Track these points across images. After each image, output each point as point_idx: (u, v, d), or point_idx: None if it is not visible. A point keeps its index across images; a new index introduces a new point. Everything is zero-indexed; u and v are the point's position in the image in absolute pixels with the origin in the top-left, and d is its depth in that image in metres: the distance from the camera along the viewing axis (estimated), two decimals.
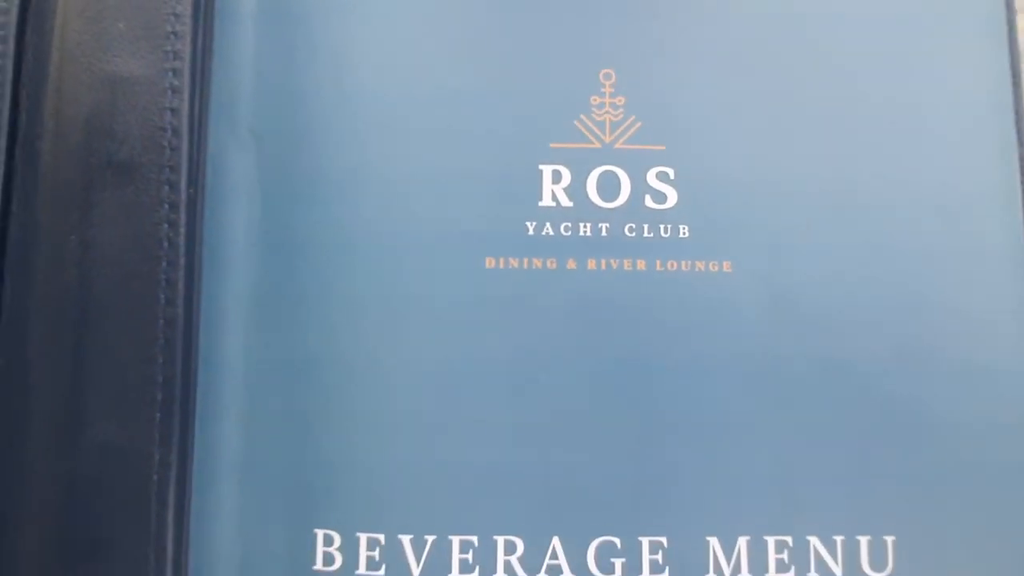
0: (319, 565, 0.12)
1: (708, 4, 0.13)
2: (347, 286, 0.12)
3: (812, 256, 0.13)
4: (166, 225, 0.12)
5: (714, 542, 0.12)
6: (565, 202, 0.12)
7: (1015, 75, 0.13)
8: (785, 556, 0.12)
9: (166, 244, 0.12)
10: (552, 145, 0.12)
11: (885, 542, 0.12)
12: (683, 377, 0.12)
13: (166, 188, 0.12)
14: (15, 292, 0.13)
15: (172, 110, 0.12)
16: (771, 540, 0.12)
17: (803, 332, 0.12)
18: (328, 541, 0.12)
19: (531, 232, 0.12)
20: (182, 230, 0.12)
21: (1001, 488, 0.12)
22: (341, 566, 0.12)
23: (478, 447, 0.12)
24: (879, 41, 0.13)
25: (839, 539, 0.12)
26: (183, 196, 0.12)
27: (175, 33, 0.12)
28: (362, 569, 0.12)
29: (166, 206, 0.12)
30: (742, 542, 0.12)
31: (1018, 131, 0.13)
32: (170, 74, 0.12)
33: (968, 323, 0.12)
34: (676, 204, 0.13)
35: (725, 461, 0.12)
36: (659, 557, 0.12)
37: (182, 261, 0.12)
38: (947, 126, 0.13)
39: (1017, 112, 0.13)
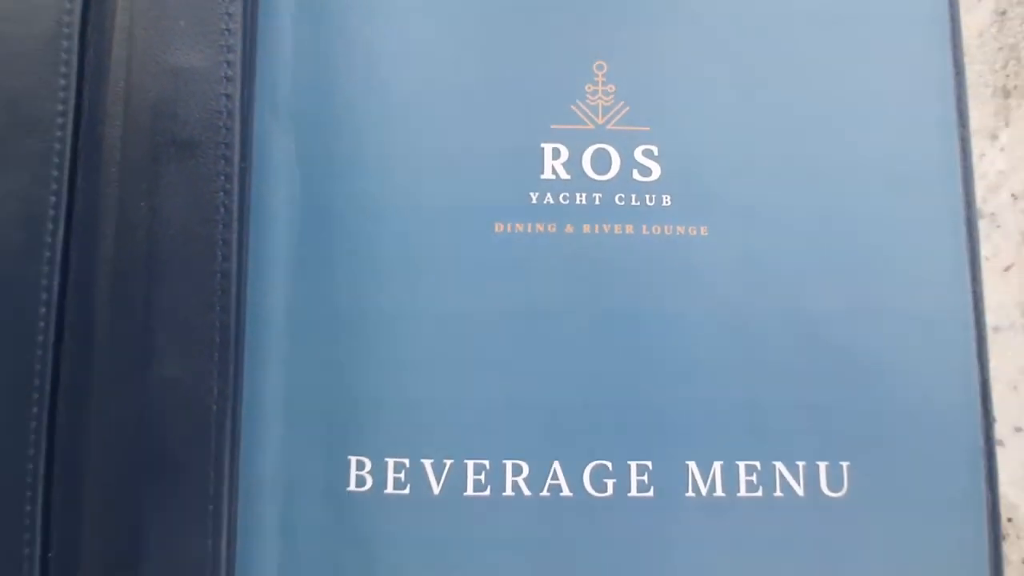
0: (352, 486, 0.14)
1: (686, 8, 0.15)
2: (374, 247, 0.14)
3: (777, 222, 0.14)
4: (222, 193, 0.13)
5: (692, 466, 0.14)
6: (563, 175, 0.14)
7: (956, 61, 0.15)
8: (754, 478, 0.14)
9: (222, 210, 0.13)
10: (552, 126, 0.14)
11: (841, 467, 0.14)
12: (665, 325, 0.14)
13: (222, 162, 0.14)
14: (81, 255, 0.15)
15: (227, 96, 0.14)
16: (742, 464, 0.14)
17: (769, 286, 0.14)
18: (360, 466, 0.14)
19: (534, 201, 0.14)
20: (235, 198, 0.13)
21: (937, 421, 0.14)
22: (371, 487, 0.14)
23: (489, 384, 0.14)
24: (834, 34, 0.15)
25: (801, 464, 0.14)
26: (236, 169, 0.14)
27: (228, 30, 0.14)
28: (390, 489, 0.14)
29: (222, 178, 0.13)
30: (716, 466, 0.14)
31: (959, 111, 0.15)
32: (225, 65, 0.14)
33: (911, 278, 0.14)
34: (660, 177, 0.14)
35: (702, 397, 0.14)
36: (645, 478, 0.14)
37: (235, 224, 0.13)
38: (893, 109, 0.15)
39: (959, 96, 0.15)
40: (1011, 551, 0.16)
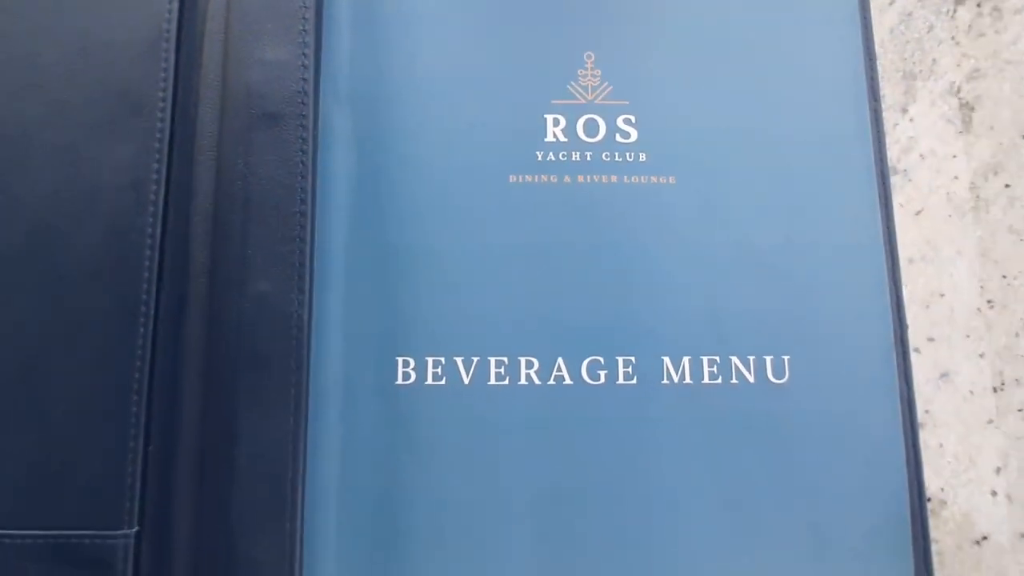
0: (400, 380, 0.17)
1: (656, 11, 0.19)
2: (415, 196, 0.18)
3: (730, 173, 0.18)
4: (300, 153, 0.17)
5: (667, 360, 0.17)
6: (562, 139, 0.18)
7: (868, 52, 0.19)
8: (715, 369, 0.17)
9: (300, 166, 0.17)
10: (553, 101, 0.19)
11: (784, 360, 0.18)
12: (643, 252, 0.18)
13: (300, 130, 0.18)
14: (178, 208, 0.19)
15: (303, 80, 0.18)
16: (705, 359, 0.17)
17: (723, 222, 0.18)
18: (405, 364, 0.17)
19: (540, 159, 0.18)
20: (309, 158, 0.17)
21: (861, 327, 0.18)
22: (415, 380, 0.17)
23: (507, 298, 0.18)
24: (772, 35, 0.19)
25: (752, 358, 0.18)
26: (310, 136, 0.18)
27: (304, 31, 0.18)
28: (429, 381, 0.17)
29: (300, 142, 0.17)
30: (685, 360, 0.17)
31: (871, 89, 0.19)
32: (302, 57, 0.18)
33: (836, 218, 0.18)
34: (636, 139, 0.18)
35: (673, 306, 0.18)
36: (629, 369, 0.17)
37: (309, 177, 0.17)
38: (818, 88, 0.19)
39: (870, 78, 0.19)
40: (929, 438, 0.19)
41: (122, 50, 0.20)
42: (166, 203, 0.19)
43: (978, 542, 0.19)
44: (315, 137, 0.18)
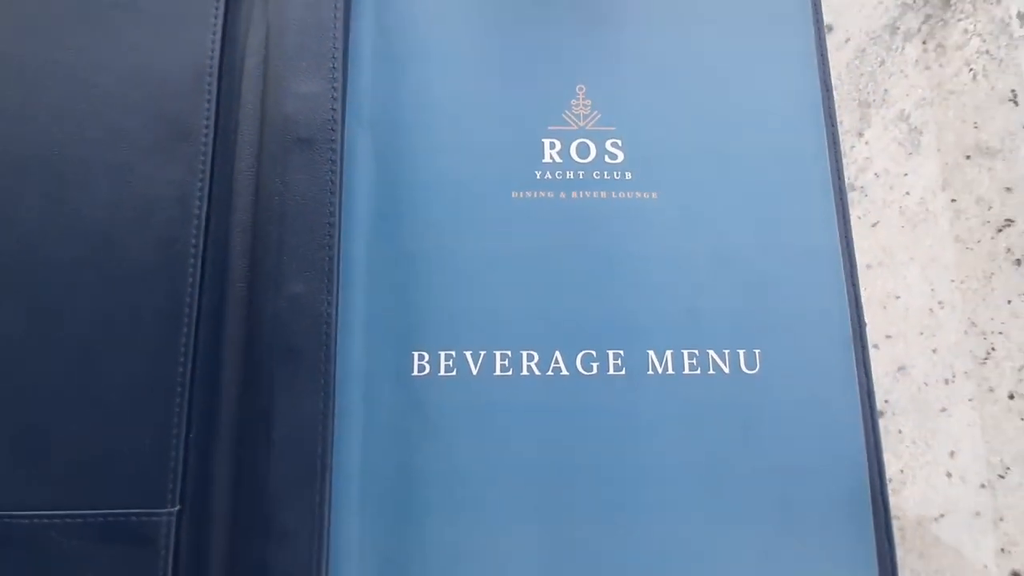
0: (415, 372, 0.20)
1: (637, 51, 0.22)
2: (428, 209, 0.21)
3: (704, 189, 0.21)
4: (329, 173, 0.20)
5: (651, 353, 0.20)
6: (558, 160, 0.21)
7: (825, 84, 0.22)
8: (694, 361, 0.20)
9: (329, 183, 0.20)
10: (549, 127, 0.21)
11: (755, 353, 0.20)
12: (629, 257, 0.20)
13: (330, 153, 0.20)
14: (218, 221, 0.21)
15: (333, 110, 0.20)
16: (685, 352, 0.20)
17: (699, 231, 0.21)
18: (420, 357, 0.20)
19: (538, 177, 0.21)
20: (338, 176, 0.20)
21: (824, 325, 0.20)
22: (428, 372, 0.20)
23: (510, 298, 0.20)
24: (738, 71, 0.22)
25: (727, 351, 0.20)
26: (339, 158, 0.20)
27: (334, 67, 0.21)
28: (442, 373, 0.19)
29: (329, 163, 0.20)
30: (668, 353, 0.20)
31: (827, 116, 0.22)
32: (332, 90, 0.21)
33: (798, 229, 0.21)
34: (623, 160, 0.21)
35: (656, 305, 0.20)
36: (619, 362, 0.20)
37: (338, 194, 0.20)
38: (780, 116, 0.22)
39: (827, 107, 0.22)
40: (889, 424, 0.21)
41: (171, 83, 0.23)
42: (208, 217, 0.21)
43: (936, 519, 0.21)
44: (342, 158, 0.20)
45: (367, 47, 0.22)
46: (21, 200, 0.22)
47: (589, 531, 0.18)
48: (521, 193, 0.21)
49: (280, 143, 0.20)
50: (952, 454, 0.21)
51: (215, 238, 0.21)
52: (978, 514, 0.21)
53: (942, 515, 0.21)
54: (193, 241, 0.21)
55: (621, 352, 0.20)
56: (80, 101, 0.22)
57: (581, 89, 0.22)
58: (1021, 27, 0.25)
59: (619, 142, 0.21)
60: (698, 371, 0.20)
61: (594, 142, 0.21)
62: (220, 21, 0.23)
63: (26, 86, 0.23)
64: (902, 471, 0.21)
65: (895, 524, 0.20)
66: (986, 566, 0.20)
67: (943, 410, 0.22)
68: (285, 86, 0.21)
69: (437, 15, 0.22)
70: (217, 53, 0.23)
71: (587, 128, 0.21)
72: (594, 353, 0.20)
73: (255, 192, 0.21)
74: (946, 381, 0.22)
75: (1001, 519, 0.21)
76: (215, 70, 0.23)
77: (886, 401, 0.22)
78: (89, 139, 0.22)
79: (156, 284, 0.21)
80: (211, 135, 0.22)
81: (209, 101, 0.22)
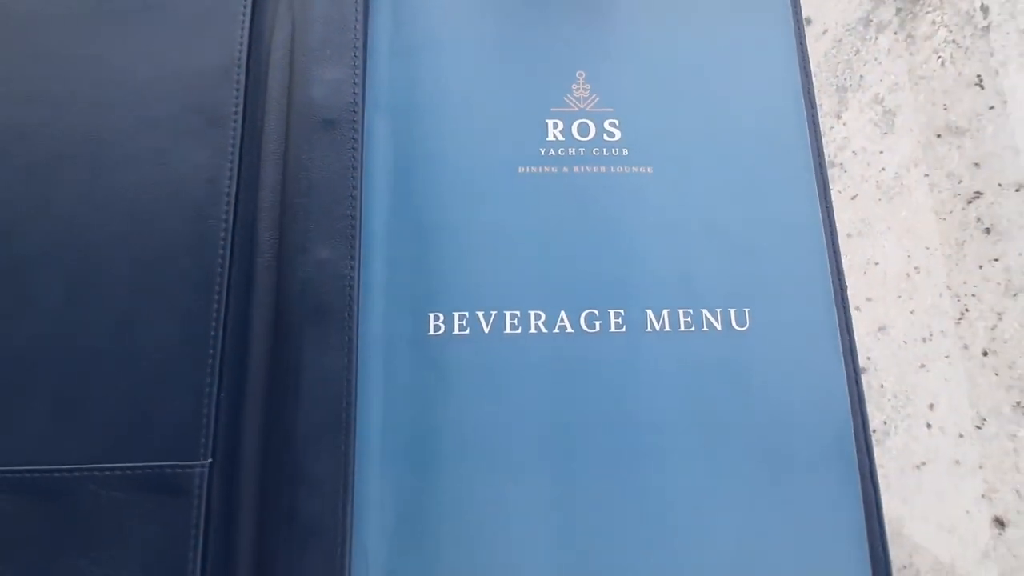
0: (431, 332, 0.21)
1: (633, 40, 0.24)
2: (441, 183, 0.22)
3: (695, 164, 0.23)
4: (351, 151, 0.22)
5: (650, 312, 0.21)
6: (560, 138, 0.23)
7: (805, 71, 0.24)
8: (689, 319, 0.21)
9: (352, 160, 0.22)
10: (552, 109, 0.23)
11: (745, 311, 0.21)
12: (627, 224, 0.22)
13: (352, 133, 0.22)
14: (247, 198, 0.23)
15: (355, 94, 0.22)
16: (681, 311, 0.21)
17: (691, 203, 0.22)
18: (436, 318, 0.21)
19: (543, 154, 0.23)
20: (359, 155, 0.22)
21: (808, 287, 0.22)
22: (444, 331, 0.21)
23: (518, 261, 0.22)
24: (724, 60, 0.24)
25: (719, 310, 0.21)
26: (360, 137, 0.22)
27: (355, 56, 0.23)
28: (456, 331, 0.21)
29: (352, 142, 0.22)
30: (665, 312, 0.21)
31: (807, 100, 0.24)
32: (353, 76, 0.22)
33: (783, 200, 0.23)
34: (620, 138, 0.23)
35: (653, 268, 0.22)
36: (620, 320, 0.21)
37: (359, 170, 0.22)
38: (765, 98, 0.24)
39: (807, 91, 0.24)
40: (871, 380, 0.23)
41: (202, 75, 0.25)
42: (237, 195, 0.23)
43: (918, 467, 0.22)
44: (363, 138, 0.22)
45: (384, 39, 0.24)
46: (66, 180, 0.23)
47: (593, 476, 0.20)
48: (527, 168, 0.23)
49: (307, 124, 0.22)
50: (931, 407, 0.23)
51: (243, 213, 0.23)
52: (958, 462, 0.22)
53: (924, 463, 0.22)
54: (224, 216, 0.23)
55: (622, 311, 0.21)
56: (120, 91, 0.24)
57: (581, 74, 0.24)
58: (984, 18, 0.27)
59: (616, 122, 0.23)
60: (692, 328, 0.21)
61: (593, 122, 0.23)
62: (247, 20, 0.25)
63: (70, 78, 0.24)
64: (885, 423, 0.23)
65: (880, 472, 0.22)
66: (968, 511, 0.22)
67: (922, 366, 0.23)
68: (311, 74, 0.23)
69: (448, 9, 0.24)
70: (245, 48, 0.25)
71: (587, 109, 0.23)
72: (596, 312, 0.21)
73: (283, 169, 0.23)
74: (924, 340, 0.23)
75: (980, 467, 0.22)
76: (243, 63, 0.25)
77: (868, 358, 0.23)
78: (128, 126, 0.24)
79: (189, 256, 0.22)
80: (239, 122, 0.24)
81: (237, 91, 0.24)
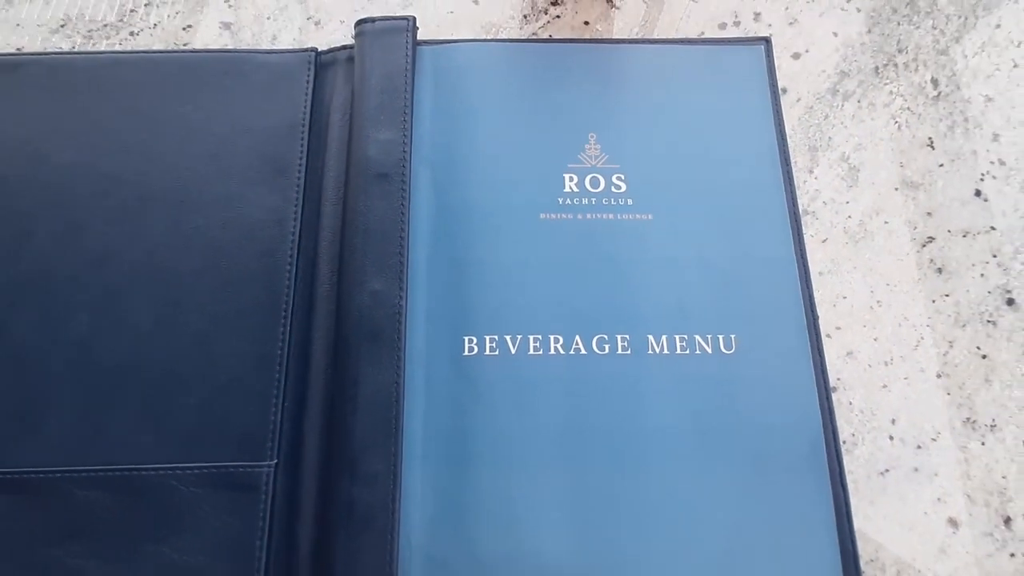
0: (466, 353, 0.25)
1: (636, 109, 0.29)
2: (475, 227, 0.27)
3: (688, 212, 0.27)
4: (401, 198, 0.26)
5: (651, 337, 0.25)
6: (575, 190, 0.27)
7: (780, 133, 0.29)
8: (684, 344, 0.25)
9: (400, 206, 0.26)
10: (568, 165, 0.28)
11: (732, 337, 0.25)
12: (631, 263, 0.26)
13: (401, 184, 0.26)
14: (307, 238, 0.27)
15: (404, 152, 0.27)
16: (677, 336, 0.25)
17: (685, 243, 0.26)
18: (470, 341, 0.25)
19: (560, 203, 0.27)
20: (407, 202, 0.26)
21: (784, 317, 0.26)
22: (476, 353, 0.25)
23: (541, 293, 0.26)
24: (709, 122, 0.28)
25: (709, 336, 0.25)
26: (408, 188, 0.26)
27: (405, 119, 0.27)
28: (487, 352, 0.25)
29: (401, 192, 0.26)
30: (663, 337, 0.25)
31: (782, 157, 0.28)
32: (403, 136, 0.27)
33: (762, 244, 0.27)
34: (625, 190, 0.27)
35: (654, 298, 0.26)
36: (625, 343, 0.25)
37: (407, 215, 0.26)
38: (747, 158, 0.28)
39: (782, 150, 0.28)
40: (841, 397, 0.27)
41: (272, 130, 0.29)
42: (300, 234, 0.27)
43: (882, 473, 0.26)
44: (409, 187, 0.27)
45: (427, 104, 0.29)
46: (154, 220, 0.28)
47: (603, 476, 0.23)
48: (548, 215, 0.27)
49: (363, 177, 0.27)
50: (893, 421, 0.26)
51: (306, 250, 0.27)
52: (917, 470, 0.26)
53: (887, 470, 0.26)
54: (289, 253, 0.27)
55: (627, 336, 0.25)
56: (201, 145, 0.29)
57: (592, 136, 0.28)
58: (934, 89, 0.32)
59: (622, 176, 0.28)
60: (687, 351, 0.25)
61: (603, 176, 0.28)
62: (311, 86, 0.30)
63: (159, 132, 0.29)
64: (853, 435, 0.26)
65: (849, 477, 0.25)
66: (926, 512, 0.25)
67: (884, 386, 0.27)
68: (367, 134, 0.27)
69: (480, 80, 0.29)
70: (308, 109, 0.29)
71: (597, 166, 0.28)
72: (606, 336, 0.25)
73: (342, 213, 0.27)
74: (886, 364, 0.27)
75: (936, 474, 0.26)
76: (307, 122, 0.29)
77: (838, 379, 0.27)
78: (207, 174, 0.28)
79: (259, 286, 0.26)
80: (303, 172, 0.28)
81: (302, 146, 0.29)
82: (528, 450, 0.24)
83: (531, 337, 0.25)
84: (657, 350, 0.25)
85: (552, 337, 0.25)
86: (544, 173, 0.27)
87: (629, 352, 0.25)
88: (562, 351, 0.25)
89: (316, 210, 0.28)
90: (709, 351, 0.25)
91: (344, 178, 0.27)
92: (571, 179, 0.27)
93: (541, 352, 0.25)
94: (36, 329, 0.26)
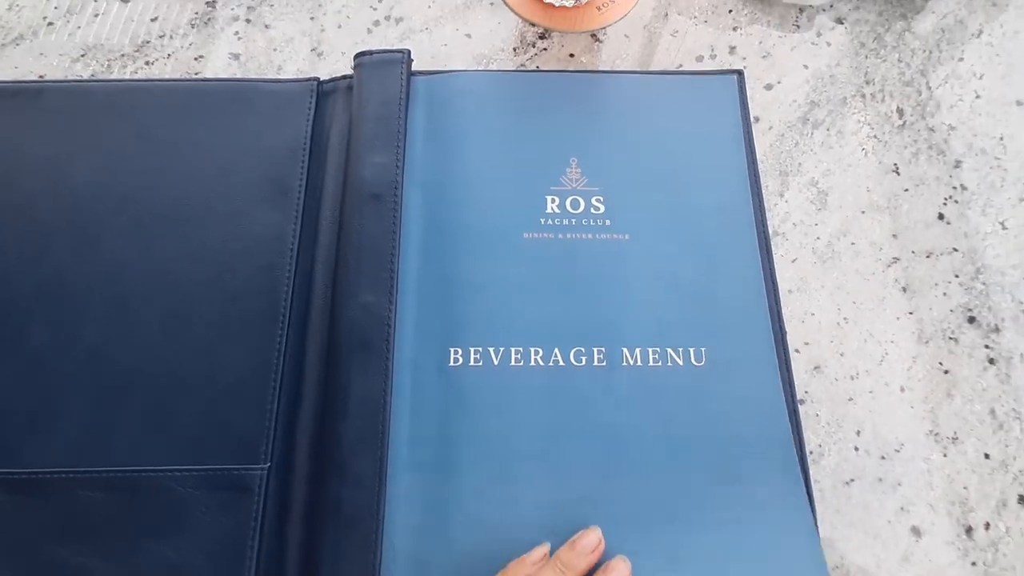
0: (451, 363, 0.26)
1: (613, 137, 0.31)
2: (462, 245, 0.28)
3: (664, 232, 0.29)
4: (393, 216, 0.28)
5: (625, 350, 0.27)
6: (556, 211, 0.29)
7: (751, 160, 0.30)
8: (657, 356, 0.27)
9: (392, 226, 0.28)
10: (551, 187, 0.29)
11: (702, 350, 0.27)
12: (609, 282, 0.28)
13: (394, 204, 0.28)
14: (304, 252, 0.29)
15: (396, 173, 0.29)
16: (650, 349, 0.27)
17: (659, 262, 0.28)
18: (455, 352, 0.27)
19: (543, 223, 0.29)
20: (399, 221, 0.28)
21: (753, 334, 0.27)
22: (461, 363, 0.26)
23: (522, 309, 0.27)
24: (688, 151, 0.30)
25: (680, 349, 0.27)
26: (399, 207, 0.28)
27: (398, 144, 0.29)
28: (471, 363, 0.26)
29: (393, 211, 0.28)
30: (637, 350, 0.27)
31: (753, 183, 0.30)
32: (396, 159, 0.29)
33: (733, 263, 0.28)
34: (604, 211, 0.29)
35: (629, 314, 0.27)
36: (601, 356, 0.26)
37: (398, 233, 0.28)
38: (720, 181, 0.30)
39: (752, 175, 0.30)
40: (808, 410, 0.28)
41: (275, 153, 0.31)
42: (299, 250, 0.29)
43: (847, 483, 0.27)
44: (401, 207, 0.28)
45: (419, 130, 0.31)
46: (163, 234, 0.29)
47: (581, 480, 0.25)
48: (530, 234, 0.29)
49: (358, 197, 0.28)
50: (858, 433, 0.28)
51: (303, 264, 0.29)
52: (881, 480, 0.27)
53: (852, 480, 0.27)
54: (287, 266, 0.29)
55: (603, 349, 0.27)
56: (207, 166, 0.31)
57: (574, 160, 0.30)
58: (900, 119, 0.34)
59: (601, 198, 0.29)
60: (660, 364, 0.27)
61: (583, 198, 0.29)
62: (312, 112, 0.32)
63: (169, 153, 0.31)
64: (820, 446, 0.27)
65: (815, 487, 0.26)
66: (889, 521, 0.26)
67: (850, 400, 0.28)
68: (363, 158, 0.29)
69: (469, 107, 0.31)
70: (309, 134, 0.31)
71: (578, 188, 0.30)
72: (583, 349, 0.27)
73: (338, 231, 0.29)
74: (851, 378, 0.28)
75: (899, 484, 0.27)
76: (308, 146, 0.31)
77: (806, 392, 0.28)
78: (213, 194, 0.30)
79: (259, 297, 0.28)
80: (303, 192, 0.30)
81: (303, 168, 0.31)
82: (509, 456, 0.25)
83: (513, 349, 0.27)
84: (631, 362, 0.27)
85: (532, 349, 0.27)
86: (528, 195, 0.29)
87: (605, 364, 0.26)
88: (542, 363, 0.26)
89: (314, 227, 0.30)
90: (681, 364, 0.27)
91: (341, 197, 0.29)
92: (553, 200, 0.29)
93: (522, 363, 0.26)
94: (51, 335, 0.27)
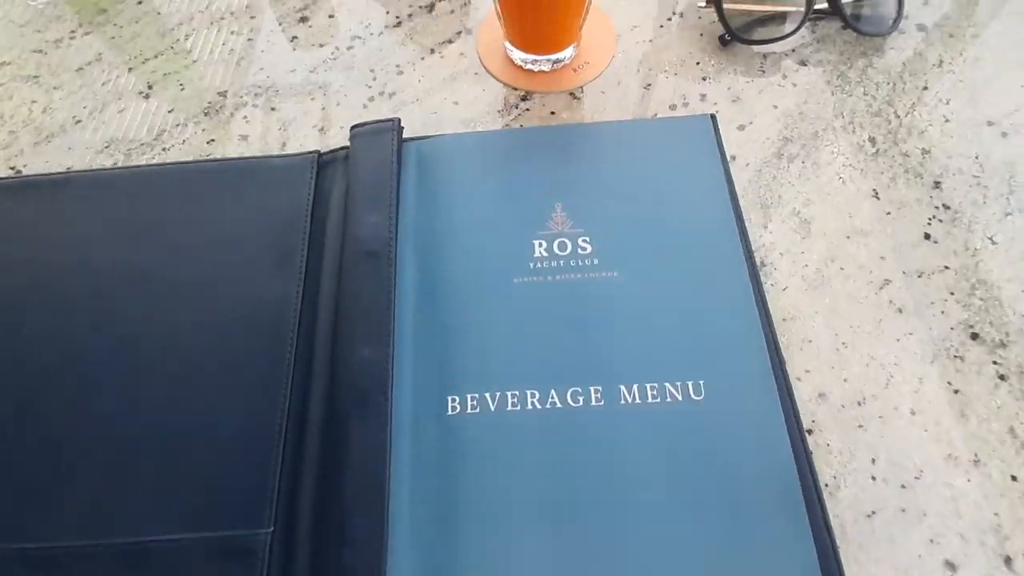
0: (450, 412, 0.27)
1: (600, 180, 0.32)
2: (454, 293, 0.29)
3: (650, 269, 0.29)
4: (388, 273, 0.29)
5: (623, 388, 0.27)
6: (544, 254, 0.30)
7: (732, 195, 0.31)
8: (655, 392, 0.26)
9: (388, 280, 0.29)
10: (538, 232, 0.31)
11: (700, 384, 0.27)
12: (599, 319, 0.28)
13: (388, 261, 0.29)
14: (308, 304, 0.30)
15: (391, 230, 0.30)
16: (648, 385, 0.27)
17: (646, 298, 0.29)
18: (453, 400, 0.27)
19: (532, 267, 0.30)
20: (394, 274, 0.29)
21: (749, 368, 0.27)
22: (460, 411, 0.27)
23: (517, 353, 0.27)
24: (671, 193, 0.32)
25: (679, 383, 0.27)
26: (395, 262, 0.29)
27: (391, 205, 0.31)
28: (468, 411, 0.26)
29: (388, 267, 0.29)
30: (635, 387, 0.27)
31: (736, 215, 0.31)
32: (389, 219, 0.30)
33: (722, 296, 0.29)
34: (591, 252, 0.30)
35: (625, 350, 0.27)
36: (598, 395, 0.26)
37: (395, 285, 0.29)
38: (704, 217, 0.31)
39: (735, 208, 0.31)
40: (818, 439, 0.27)
41: (279, 222, 0.33)
42: (302, 310, 0.30)
43: (868, 516, 0.26)
44: (395, 262, 0.30)
45: (411, 189, 0.33)
46: (174, 309, 0.31)
47: (583, 524, 0.24)
48: (520, 279, 0.29)
49: (355, 255, 0.30)
50: (873, 461, 0.27)
51: (306, 325, 0.30)
52: (903, 510, 0.26)
53: (873, 512, 0.26)
54: (291, 329, 0.30)
55: (600, 388, 0.27)
56: (216, 238, 0.33)
57: (558, 205, 0.31)
58: (872, 147, 0.35)
59: (587, 239, 0.30)
60: (658, 400, 0.26)
61: (570, 240, 0.30)
62: (313, 182, 0.34)
63: (178, 226, 0.33)
64: (834, 477, 0.26)
65: (836, 521, 0.25)
66: (919, 555, 0.25)
67: (859, 426, 0.27)
68: (359, 217, 0.31)
69: (458, 165, 0.33)
70: (311, 202, 0.33)
71: (564, 231, 0.31)
72: (580, 389, 0.27)
73: (337, 288, 0.30)
74: (858, 403, 0.28)
75: (924, 514, 0.25)
76: (309, 214, 0.33)
77: (813, 421, 0.28)
78: (221, 263, 0.32)
79: (264, 361, 0.29)
80: (305, 256, 0.32)
81: (304, 234, 0.33)
82: (508, 502, 0.25)
83: (509, 393, 0.27)
84: (629, 400, 0.26)
85: (529, 392, 0.27)
86: (516, 241, 0.30)
87: (602, 403, 0.26)
88: (539, 405, 0.26)
89: (316, 288, 0.31)
90: (679, 398, 0.26)
91: (339, 257, 0.31)
92: (540, 244, 0.30)
93: (519, 408, 0.26)
94: (66, 409, 0.28)
